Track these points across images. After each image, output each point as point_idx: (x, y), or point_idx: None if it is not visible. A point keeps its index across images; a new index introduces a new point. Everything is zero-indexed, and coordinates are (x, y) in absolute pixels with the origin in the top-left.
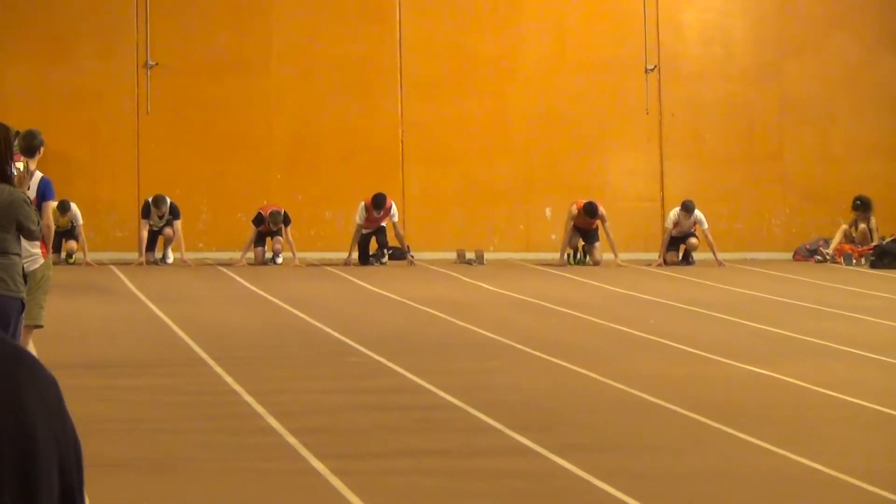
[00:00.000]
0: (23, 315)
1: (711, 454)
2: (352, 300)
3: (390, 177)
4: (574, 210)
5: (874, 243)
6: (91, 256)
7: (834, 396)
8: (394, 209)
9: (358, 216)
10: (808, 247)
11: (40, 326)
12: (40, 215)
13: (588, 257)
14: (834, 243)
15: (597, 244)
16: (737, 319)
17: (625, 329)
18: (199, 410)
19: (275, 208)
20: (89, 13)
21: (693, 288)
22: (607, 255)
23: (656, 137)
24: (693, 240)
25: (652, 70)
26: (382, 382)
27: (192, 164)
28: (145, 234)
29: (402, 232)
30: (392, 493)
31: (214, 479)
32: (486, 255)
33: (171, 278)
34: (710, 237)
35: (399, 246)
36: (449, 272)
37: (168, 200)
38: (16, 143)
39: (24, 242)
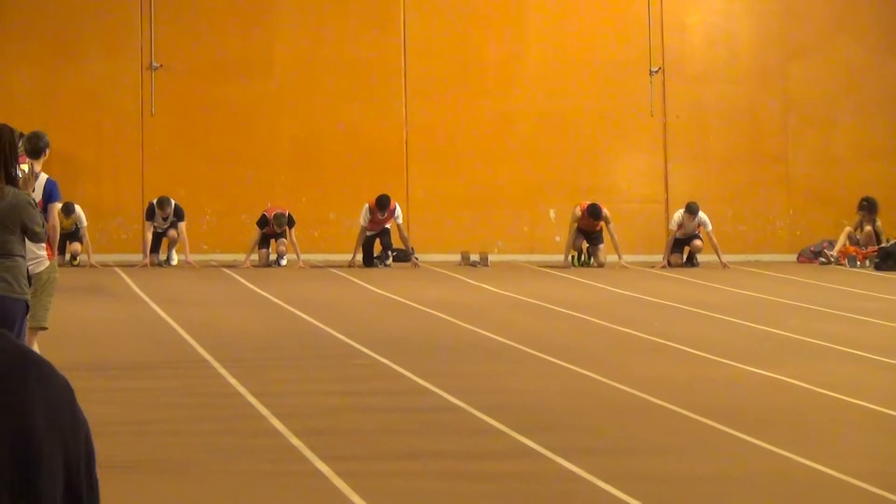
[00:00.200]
0: (27, 317)
1: (716, 456)
2: (356, 302)
3: (394, 179)
4: (577, 212)
5: (880, 245)
6: (95, 258)
7: (839, 398)
8: (398, 211)
9: (362, 218)
10: (812, 249)
11: (45, 328)
12: (46, 217)
13: (592, 259)
14: (838, 245)
15: (601, 246)
16: (741, 321)
17: (629, 331)
18: (204, 412)
19: (279, 210)
20: (94, 15)
21: (697, 290)
22: (611, 257)
23: (660, 139)
24: (697, 242)
25: (656, 72)
26: (386, 384)
27: (196, 166)
28: (149, 235)
29: (406, 234)
30: (396, 495)
31: (218, 480)
32: (491, 257)
33: (175, 280)
34: (714, 239)
35: (403, 248)
36: (453, 274)
37: (172, 202)
38: (21, 144)
39: (29, 244)
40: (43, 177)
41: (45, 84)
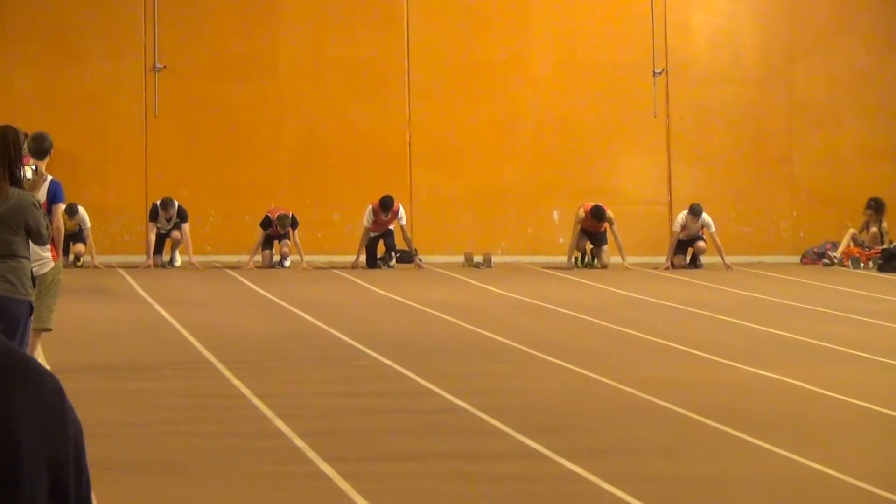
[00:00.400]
0: (31, 318)
1: (719, 457)
2: (359, 303)
3: (398, 180)
4: (581, 213)
5: (883, 246)
6: (99, 259)
7: (842, 400)
8: (401, 212)
9: (365, 219)
10: (815, 250)
11: (49, 330)
12: (50, 218)
13: (595, 260)
14: (842, 247)
15: (605, 247)
16: (745, 323)
17: (632, 332)
18: (207, 413)
19: (282, 211)
20: (97, 16)
21: (701, 291)
22: (615, 259)
23: (664, 141)
24: (701, 243)
25: (660, 74)
26: (390, 385)
27: (199, 167)
28: (153, 236)
29: (409, 235)
30: (399, 496)
31: (222, 482)
32: (494, 259)
33: (178, 281)
34: (717, 240)
35: (407, 249)
36: (456, 275)
37: (176, 203)
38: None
39: (33, 246)
40: (47, 178)
41: (48, 85)
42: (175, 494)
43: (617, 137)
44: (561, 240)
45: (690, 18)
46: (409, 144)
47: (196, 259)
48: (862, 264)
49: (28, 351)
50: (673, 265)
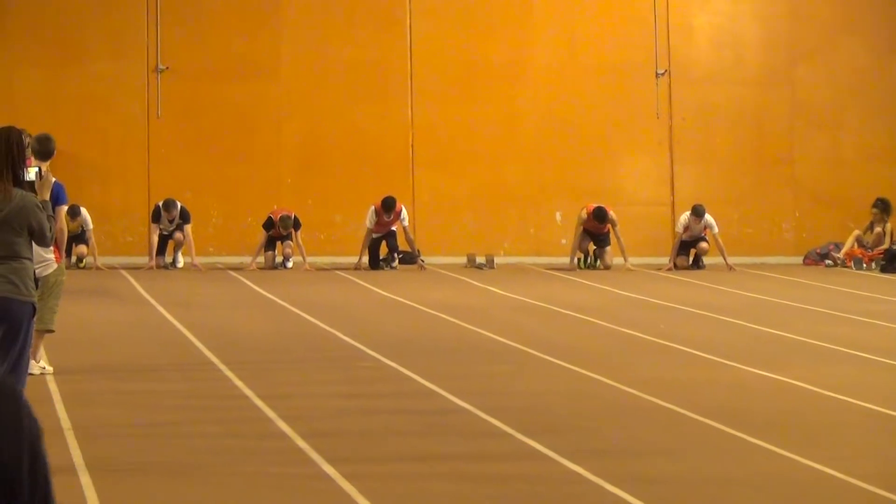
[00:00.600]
0: (34, 319)
1: (721, 458)
2: (362, 304)
3: (401, 181)
4: (584, 214)
5: (885, 246)
6: (101, 261)
7: (844, 400)
8: (404, 213)
9: (368, 220)
10: (818, 251)
11: (51, 331)
12: (53, 219)
13: (598, 261)
14: (845, 248)
15: (608, 248)
16: (747, 323)
17: (635, 333)
18: (210, 415)
19: (285, 212)
20: (100, 17)
21: (703, 292)
22: (617, 260)
23: (667, 141)
24: (703, 244)
25: (662, 74)
26: (392, 386)
27: (202, 168)
28: (155, 238)
29: (412, 236)
30: (402, 497)
31: (225, 482)
32: (497, 260)
33: (181, 282)
34: (720, 241)
35: (409, 250)
36: (459, 276)
37: (178, 204)
38: (28, 146)
39: (36, 247)
40: (51, 179)
41: (50, 86)
42: (177, 495)
43: (619, 138)
44: (563, 241)
45: (693, 19)
46: (412, 145)
47: (198, 260)
48: (864, 265)
49: (31, 352)
50: (675, 266)
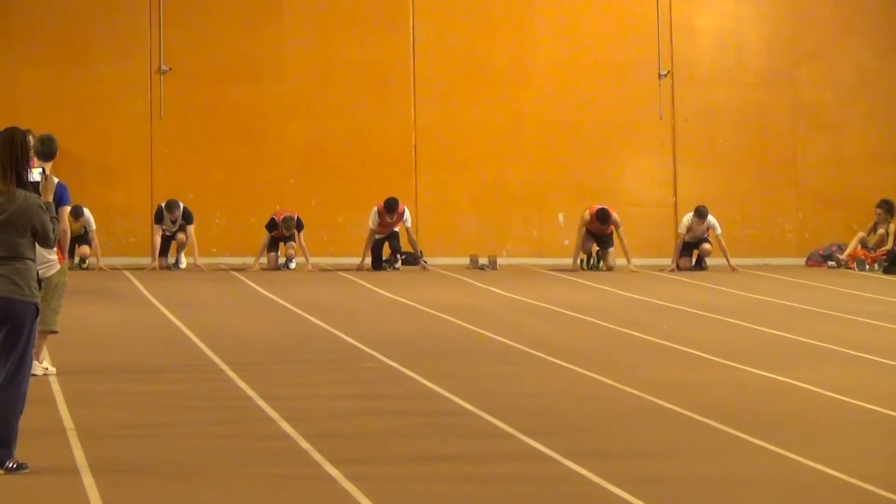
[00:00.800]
0: (37, 320)
1: (725, 460)
2: (365, 305)
3: (403, 182)
4: (587, 216)
5: (888, 247)
6: (104, 261)
7: (847, 402)
8: (406, 214)
9: (371, 221)
10: (821, 252)
11: (54, 332)
12: (57, 220)
13: (601, 262)
14: (849, 249)
15: (610, 249)
16: (750, 325)
17: (638, 334)
18: (213, 415)
19: (288, 213)
20: (103, 18)
21: (706, 293)
22: (620, 261)
23: (669, 143)
24: (706, 245)
25: (665, 75)
26: (395, 387)
27: (205, 169)
28: (158, 239)
29: (415, 237)
30: (405, 497)
31: (228, 483)
32: (500, 261)
33: (184, 283)
34: (723, 242)
35: (412, 251)
36: (462, 277)
37: (181, 205)
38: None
39: (39, 248)
40: (54, 180)
41: (53, 87)
42: (180, 496)
43: (622, 139)
44: (566, 242)
45: (695, 20)
46: (415, 146)
47: (201, 261)
48: (867, 266)
49: (34, 353)
50: (678, 267)
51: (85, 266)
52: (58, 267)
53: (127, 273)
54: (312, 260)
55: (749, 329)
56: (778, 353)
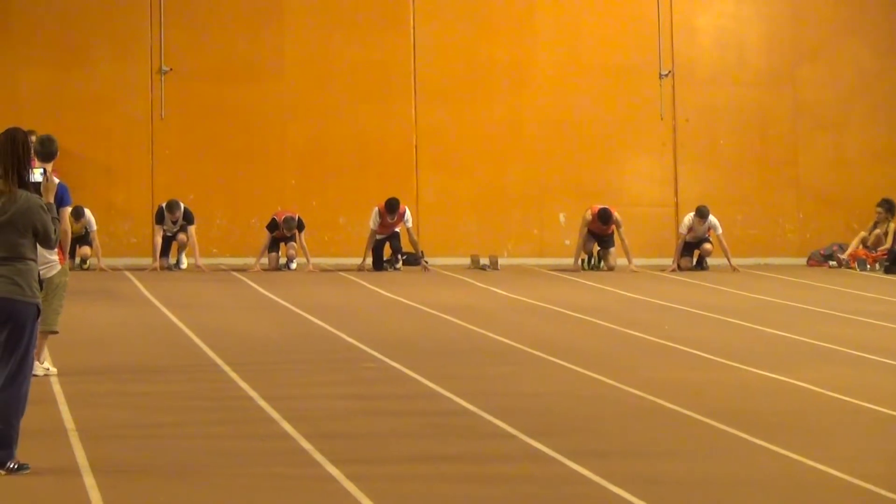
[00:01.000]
0: (38, 321)
1: (726, 460)
2: (366, 306)
3: (404, 183)
4: (588, 216)
5: (886, 245)
6: (105, 262)
7: (849, 402)
8: (407, 214)
9: (372, 221)
10: (822, 252)
11: (55, 332)
12: (58, 221)
13: (602, 262)
14: (850, 249)
15: (611, 249)
16: (751, 325)
17: (639, 334)
18: (214, 416)
19: (289, 214)
20: (104, 19)
21: (707, 293)
22: (621, 261)
23: (670, 143)
24: (707, 245)
25: (666, 75)
26: (396, 388)
27: (206, 169)
28: (159, 239)
29: (416, 237)
30: (406, 498)
31: (229, 484)
32: (501, 261)
33: (185, 284)
34: (724, 242)
35: (413, 251)
36: (463, 277)
37: (182, 206)
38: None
39: (40, 249)
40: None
41: (54, 87)
42: (181, 496)
43: (623, 139)
44: (567, 242)
45: (696, 20)
46: (416, 147)
47: (202, 262)
48: (868, 266)
49: (35, 353)
50: (679, 267)
51: (86, 267)
52: (59, 267)
53: (128, 273)
54: (313, 260)
55: (750, 329)
56: (779, 353)
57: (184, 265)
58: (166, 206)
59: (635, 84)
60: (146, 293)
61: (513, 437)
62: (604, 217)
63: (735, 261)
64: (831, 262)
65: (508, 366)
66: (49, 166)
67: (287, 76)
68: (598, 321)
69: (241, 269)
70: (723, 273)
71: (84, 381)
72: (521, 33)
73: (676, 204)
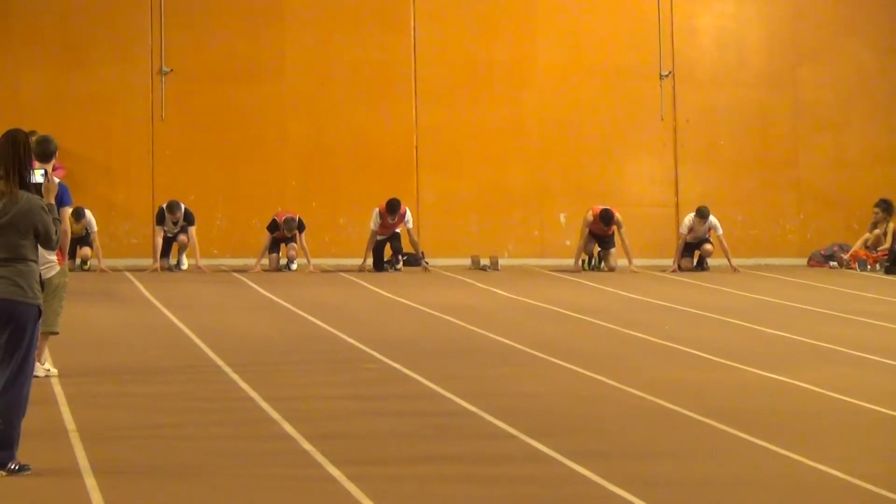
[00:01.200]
0: (39, 322)
1: (727, 460)
2: (367, 306)
3: (405, 183)
4: (590, 216)
5: (885, 245)
6: (105, 263)
7: (849, 402)
8: (408, 215)
9: (372, 222)
10: (823, 252)
11: (56, 333)
12: (59, 222)
13: (603, 263)
14: (853, 250)
15: (612, 250)
16: (751, 325)
17: (640, 335)
18: (215, 417)
19: (289, 215)
20: (104, 20)
21: (708, 294)
22: (622, 261)
23: (671, 143)
24: (708, 245)
25: (667, 76)
26: (397, 388)
27: (206, 170)
28: (160, 240)
29: (416, 238)
30: (408, 498)
31: (230, 485)
32: (501, 262)
33: (185, 285)
34: (724, 243)
35: (414, 252)
36: (464, 278)
37: (182, 206)
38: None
39: (40, 249)
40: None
41: (54, 88)
42: (183, 497)
43: (623, 140)
44: (568, 242)
45: (696, 21)
46: (416, 147)
47: (203, 262)
48: (869, 267)
49: (36, 355)
50: (680, 268)
51: (86, 268)
52: (57, 268)
53: (128, 274)
54: (314, 261)
55: (750, 329)
56: (779, 354)
57: (184, 266)
58: (167, 206)
59: (636, 85)
60: (147, 294)
61: (513, 437)
62: (605, 218)
63: (735, 261)
64: (832, 263)
65: (509, 366)
66: (49, 166)
67: (287, 77)
68: (599, 322)
69: (242, 270)
70: (723, 273)
71: (85, 382)
72: (521, 34)
73: (677, 204)
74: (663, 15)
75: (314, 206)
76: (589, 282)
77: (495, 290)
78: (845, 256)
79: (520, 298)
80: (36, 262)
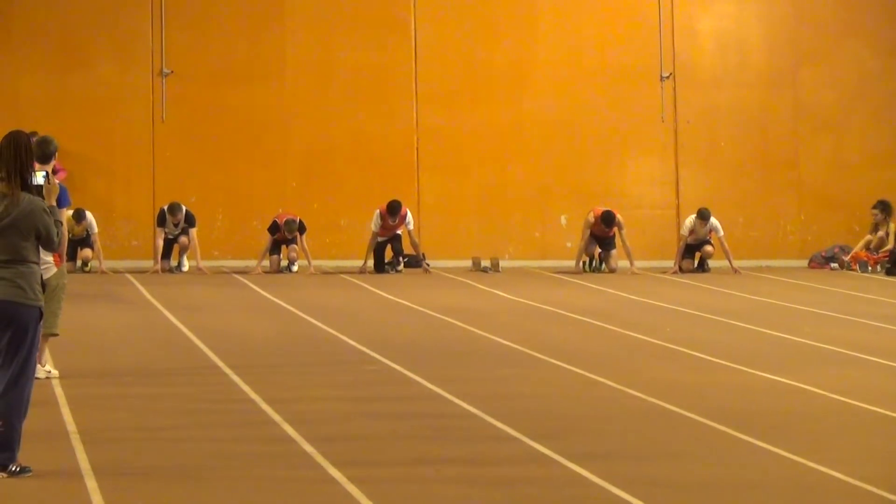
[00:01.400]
0: (41, 323)
1: (728, 462)
2: (367, 308)
3: (405, 185)
4: (591, 218)
5: (888, 247)
6: (106, 265)
7: (851, 404)
8: (409, 217)
9: (373, 224)
10: (823, 254)
11: (55, 335)
12: (60, 224)
13: (604, 265)
14: (854, 251)
15: (613, 252)
16: (753, 327)
17: (641, 336)
18: (216, 419)
19: (290, 216)
20: (105, 21)
21: (708, 295)
22: (623, 263)
23: (671, 145)
24: (708, 247)
25: (667, 78)
26: (398, 390)
27: (207, 172)
28: (160, 242)
29: (417, 239)
30: (408, 500)
31: (231, 486)
32: (502, 263)
33: (186, 286)
34: (725, 244)
35: (414, 254)
36: (464, 280)
37: (183, 208)
38: None
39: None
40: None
41: (55, 90)
42: (183, 499)
43: (624, 141)
44: (569, 244)
45: (697, 23)
46: (417, 149)
47: (204, 264)
48: (869, 268)
49: (36, 356)
50: (681, 269)
51: (87, 269)
52: (54, 270)
53: (129, 276)
54: (315, 263)
55: (752, 331)
56: (781, 356)
57: (185, 268)
58: (168, 208)
59: (636, 86)
60: (147, 296)
61: (514, 439)
62: (607, 220)
63: (736, 263)
64: (833, 265)
65: (510, 368)
66: (49, 168)
67: (288, 79)
68: (600, 323)
69: (243, 272)
70: (724, 275)
71: (85, 384)
72: (522, 36)
73: (678, 206)
74: (664, 16)
75: (315, 207)
76: (590, 283)
77: (496, 291)
78: (846, 258)
79: (521, 300)
80: (37, 263)
